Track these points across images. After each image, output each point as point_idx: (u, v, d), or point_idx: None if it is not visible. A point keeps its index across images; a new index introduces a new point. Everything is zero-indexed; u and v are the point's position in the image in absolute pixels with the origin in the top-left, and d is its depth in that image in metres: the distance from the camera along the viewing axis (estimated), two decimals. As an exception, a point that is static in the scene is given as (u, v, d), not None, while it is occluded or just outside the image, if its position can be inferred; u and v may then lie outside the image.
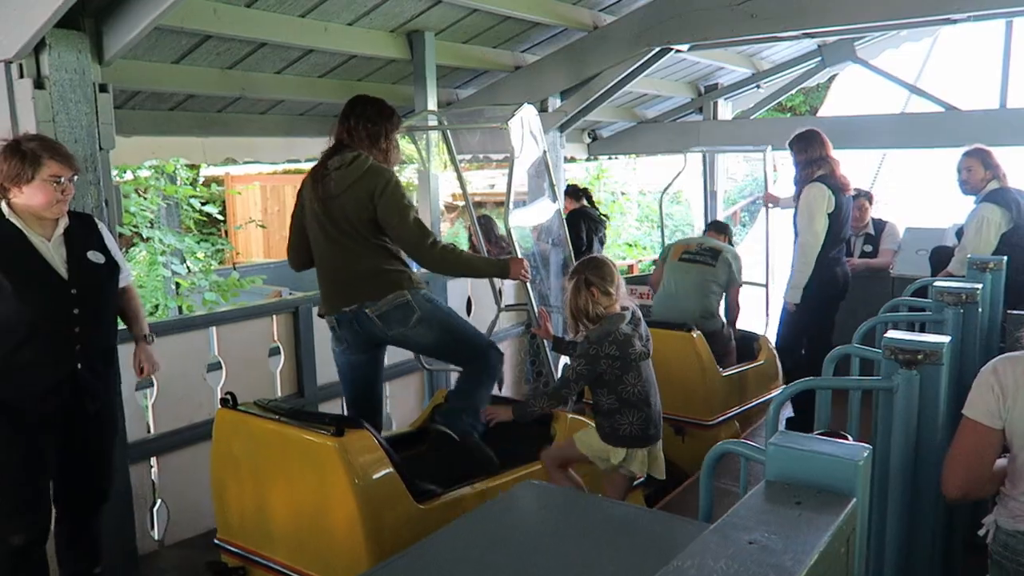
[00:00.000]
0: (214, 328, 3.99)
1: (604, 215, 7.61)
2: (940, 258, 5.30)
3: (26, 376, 2.69)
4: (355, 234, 3.16)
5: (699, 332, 4.96)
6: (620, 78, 5.87)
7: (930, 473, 1.96)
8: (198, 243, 8.54)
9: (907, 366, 1.92)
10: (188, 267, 9.39)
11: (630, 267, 10.95)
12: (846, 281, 4.94)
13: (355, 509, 2.59)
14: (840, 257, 4.92)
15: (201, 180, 19.58)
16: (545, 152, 3.75)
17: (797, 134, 4.86)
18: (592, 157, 10.11)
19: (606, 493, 3.26)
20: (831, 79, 11.84)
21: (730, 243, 5.54)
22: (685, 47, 5.72)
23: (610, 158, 11.27)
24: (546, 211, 3.87)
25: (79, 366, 2.77)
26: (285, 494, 2.82)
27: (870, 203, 6.14)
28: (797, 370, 5.03)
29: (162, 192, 8.86)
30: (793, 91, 9.33)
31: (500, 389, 6.06)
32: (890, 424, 1.93)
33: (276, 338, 4.31)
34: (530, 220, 3.90)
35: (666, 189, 6.81)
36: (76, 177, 2.77)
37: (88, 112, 3.19)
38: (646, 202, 13.19)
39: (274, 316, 4.28)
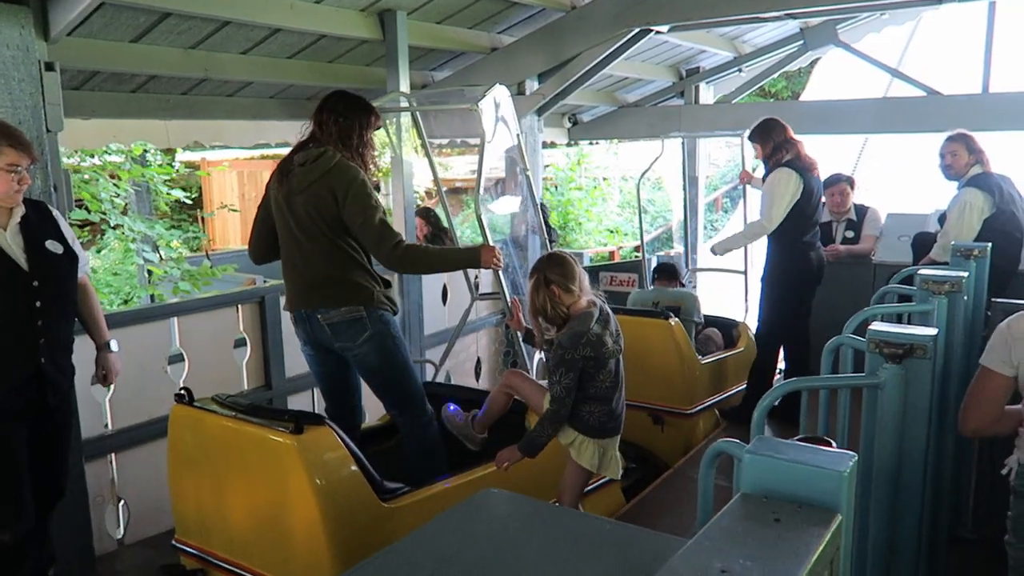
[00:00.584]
0: (175, 319, 3.84)
1: (557, 227, 7.52)
2: (922, 244, 5.22)
3: None
4: (317, 234, 2.99)
5: (677, 320, 4.87)
6: (598, 60, 5.73)
7: (914, 470, 1.87)
8: (168, 230, 8.30)
9: (893, 360, 1.81)
10: (160, 255, 9.19)
11: (611, 253, 10.86)
12: (820, 266, 4.86)
13: (316, 510, 2.47)
14: (814, 242, 4.83)
15: (177, 165, 19.36)
16: (519, 136, 3.61)
17: (754, 128, 4.79)
18: (572, 142, 9.97)
19: (563, 484, 3.15)
20: (813, 64, 11.76)
21: (681, 283, 5.46)
22: (665, 28, 5.58)
23: (591, 143, 11.15)
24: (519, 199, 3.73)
25: (43, 360, 2.70)
26: (244, 494, 2.69)
27: (852, 188, 6.05)
28: (773, 358, 4.97)
29: (132, 178, 8.64)
30: (775, 75, 9.23)
31: (477, 380, 5.96)
32: (876, 422, 1.83)
33: (242, 328, 4.16)
34: (505, 207, 3.76)
35: (643, 175, 6.68)
36: (33, 165, 2.68)
37: (33, 92, 3.01)
38: (628, 188, 13.05)
39: (239, 306, 4.13)
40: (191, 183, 19.17)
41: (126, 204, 9.64)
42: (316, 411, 3.88)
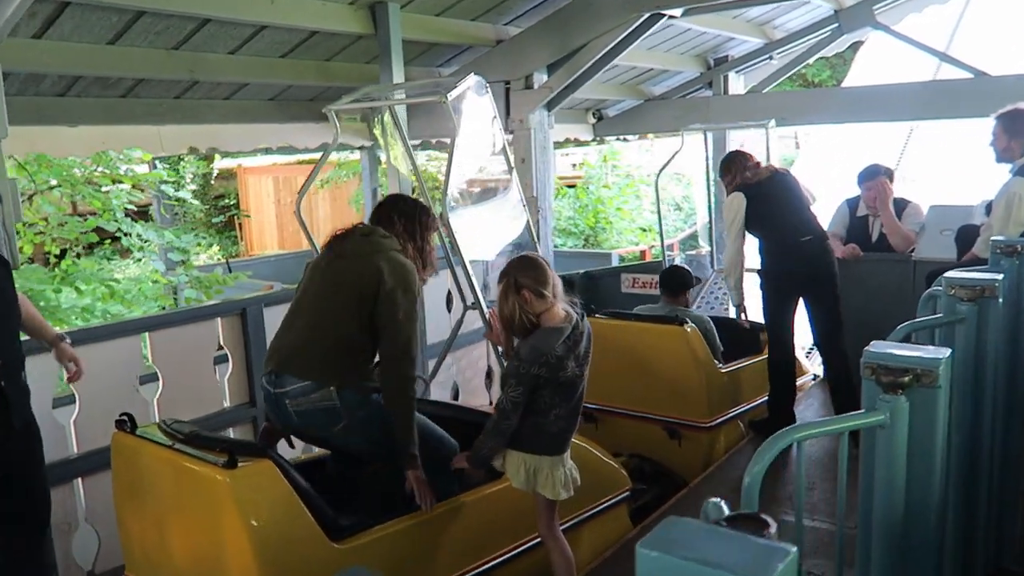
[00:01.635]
0: (147, 334, 3.63)
1: (589, 227, 7.13)
2: (967, 238, 4.75)
3: None
4: (340, 300, 2.74)
5: (693, 325, 4.50)
6: (609, 48, 5.38)
7: (925, 527, 1.51)
8: (178, 236, 8.17)
9: (893, 391, 1.46)
10: (183, 261, 9.12)
11: (642, 253, 10.45)
12: (801, 269, 4.44)
13: (250, 554, 2.21)
14: (791, 241, 4.43)
15: (215, 174, 19.57)
16: (504, 135, 3.28)
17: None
18: (598, 139, 9.61)
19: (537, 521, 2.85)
20: (855, 49, 11.18)
21: (686, 298, 5.00)
22: (678, 12, 5.21)
23: (618, 139, 10.77)
24: (507, 205, 3.40)
25: (3, 383, 2.59)
26: (182, 532, 2.45)
27: (891, 181, 5.58)
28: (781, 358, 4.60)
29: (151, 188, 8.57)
30: (812, 61, 8.74)
31: (489, 394, 5.66)
32: (872, 468, 1.48)
33: (222, 343, 3.95)
34: (485, 217, 3.43)
35: (661, 171, 6.29)
36: None
37: (-31, 98, 2.81)
38: (662, 184, 12.59)
39: (219, 319, 3.91)
40: (229, 190, 19.45)
41: (147, 211, 9.65)
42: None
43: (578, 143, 10.24)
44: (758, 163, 4.66)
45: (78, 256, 7.78)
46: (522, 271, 2.64)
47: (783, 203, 4.50)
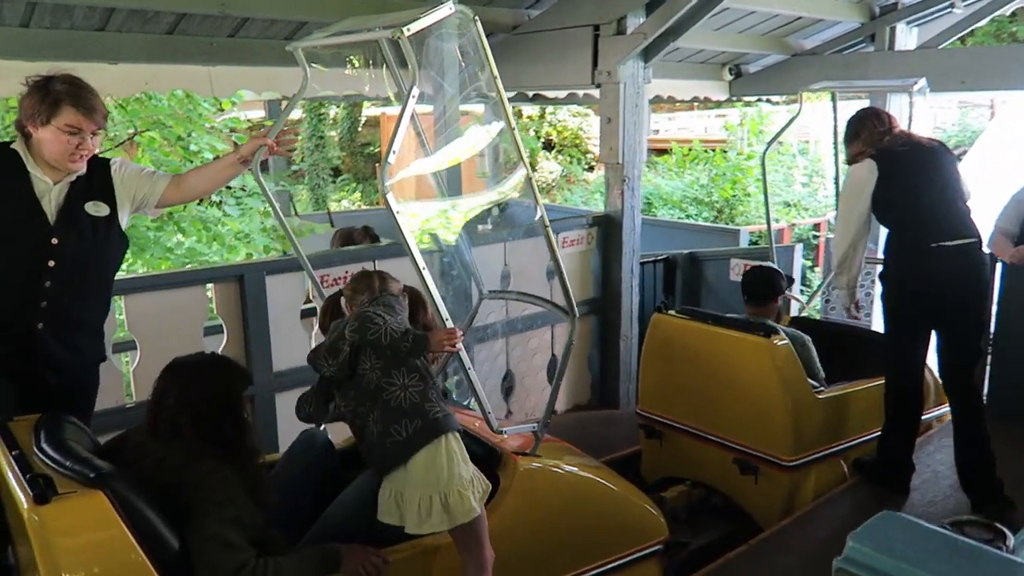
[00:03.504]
0: (121, 298, 3.24)
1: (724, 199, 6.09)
2: None
3: None
4: None
5: (786, 340, 3.57)
6: (722, -14, 4.40)
7: None
8: (290, 184, 7.92)
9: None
10: (294, 210, 8.99)
11: (780, 232, 9.20)
12: (934, 290, 3.31)
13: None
14: (926, 246, 3.29)
15: (363, 121, 19.86)
16: (498, 82, 2.48)
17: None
18: (735, 99, 8.45)
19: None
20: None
21: (782, 311, 4.02)
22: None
23: (759, 100, 9.46)
24: (508, 183, 2.59)
25: (40, 326, 2.43)
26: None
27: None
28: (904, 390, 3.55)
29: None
30: (1008, 10, 7.12)
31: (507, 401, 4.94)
32: None
33: (216, 312, 3.52)
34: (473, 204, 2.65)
35: (770, 144, 5.20)
36: (100, 131, 2.46)
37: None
38: (816, 155, 11.12)
39: (211, 285, 3.47)
40: (375, 138, 19.66)
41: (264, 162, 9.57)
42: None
43: (708, 103, 9.10)
44: (901, 129, 3.53)
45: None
46: None
47: (926, 187, 3.38)
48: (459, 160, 2.52)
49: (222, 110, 7.35)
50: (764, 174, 4.86)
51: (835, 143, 4.91)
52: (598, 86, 4.79)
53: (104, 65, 4.34)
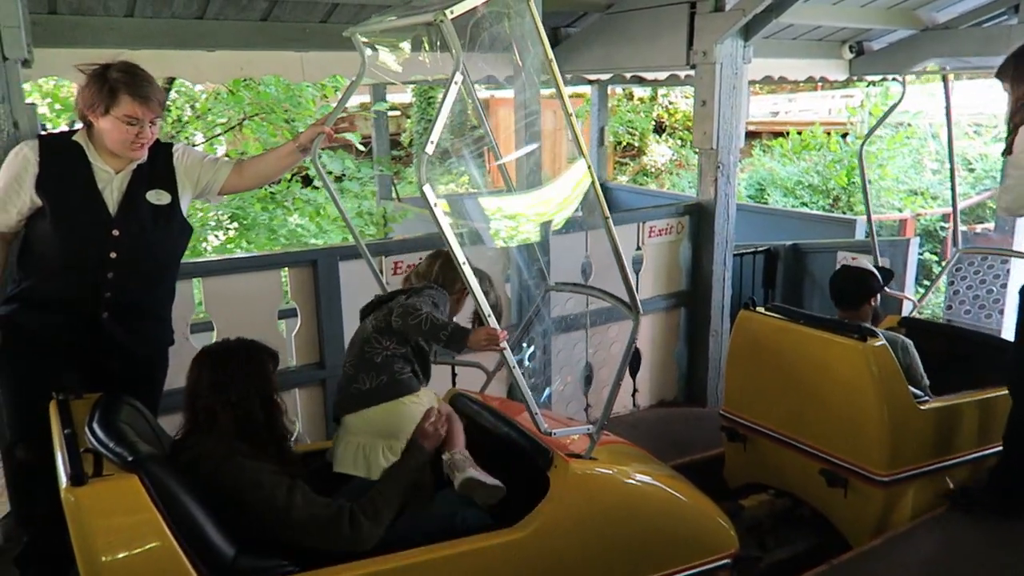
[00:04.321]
0: (199, 280, 3.34)
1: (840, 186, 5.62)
2: None
3: (48, 312, 2.46)
4: None
5: (883, 341, 3.26)
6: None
7: None
8: (389, 169, 8.02)
9: None
10: (395, 194, 9.12)
11: (903, 223, 8.53)
12: None
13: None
14: None
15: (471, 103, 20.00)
16: (554, 66, 2.32)
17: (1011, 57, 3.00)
18: (856, 79, 7.85)
19: None
20: None
21: (879, 313, 3.66)
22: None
23: (883, 80, 8.72)
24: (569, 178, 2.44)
25: (105, 315, 2.48)
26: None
27: None
28: None
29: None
30: None
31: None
32: None
33: (291, 296, 3.57)
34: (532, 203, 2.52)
35: (866, 140, 4.69)
36: (159, 120, 2.49)
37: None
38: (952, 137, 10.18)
39: (286, 269, 3.52)
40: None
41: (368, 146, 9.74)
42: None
43: (826, 84, 8.52)
44: None
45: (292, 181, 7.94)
46: None
47: None
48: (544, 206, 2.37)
49: (326, 96, 7.51)
50: (862, 169, 4.40)
51: (949, 130, 4.45)
52: (693, 67, 4.54)
53: (202, 52, 4.48)
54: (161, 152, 2.58)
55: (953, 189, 4.53)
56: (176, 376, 2.93)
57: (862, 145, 4.39)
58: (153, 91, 2.42)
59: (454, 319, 2.63)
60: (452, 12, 2.03)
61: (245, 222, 6.82)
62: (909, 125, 10.04)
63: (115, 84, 2.35)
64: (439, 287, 2.59)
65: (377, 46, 2.72)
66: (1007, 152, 3.05)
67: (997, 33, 6.46)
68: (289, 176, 7.32)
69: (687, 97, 15.02)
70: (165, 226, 2.54)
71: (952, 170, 4.52)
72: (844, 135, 10.72)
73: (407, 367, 2.45)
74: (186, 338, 3.34)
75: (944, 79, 4.16)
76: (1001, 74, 3.06)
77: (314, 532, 2.06)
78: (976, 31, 6.63)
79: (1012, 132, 2.99)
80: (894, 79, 8.62)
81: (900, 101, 4.37)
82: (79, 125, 2.52)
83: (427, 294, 2.46)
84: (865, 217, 4.67)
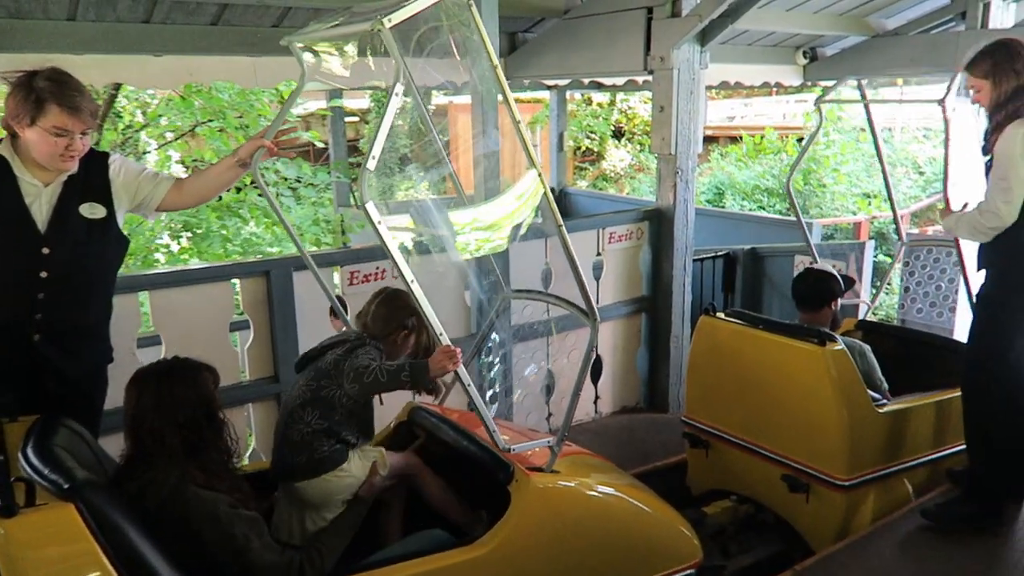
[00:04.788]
0: (146, 293, 3.22)
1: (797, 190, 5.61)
2: None
3: None
4: None
5: (841, 345, 3.28)
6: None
7: None
8: (346, 174, 7.89)
9: None
10: (354, 199, 8.95)
11: (856, 225, 8.68)
12: None
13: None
14: None
15: (433, 108, 19.89)
16: (499, 72, 2.26)
17: (984, 51, 2.92)
18: (809, 84, 7.96)
19: None
20: None
21: (838, 317, 3.68)
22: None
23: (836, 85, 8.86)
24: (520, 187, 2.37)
25: (37, 337, 2.36)
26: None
27: None
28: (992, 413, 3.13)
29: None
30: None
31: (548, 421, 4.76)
32: None
33: (243, 308, 3.46)
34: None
35: (793, 171, 4.22)
36: (90, 132, 2.35)
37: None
38: (903, 142, 10.42)
39: (238, 280, 3.42)
40: (442, 127, 19.69)
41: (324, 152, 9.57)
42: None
43: (777, 90, 8.64)
44: None
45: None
46: None
47: None
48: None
49: (283, 101, 7.36)
50: (792, 201, 4.22)
51: (874, 139, 4.44)
52: (650, 72, 4.53)
53: (148, 57, 4.36)
54: (96, 163, 2.44)
55: (888, 186, 4.52)
56: (119, 395, 2.83)
57: (789, 178, 4.26)
58: (83, 100, 2.27)
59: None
60: (391, 20, 1.95)
61: (199, 231, 6.64)
62: (862, 130, 10.24)
63: (42, 93, 2.20)
64: (370, 341, 2.50)
65: (321, 52, 2.62)
66: (987, 152, 2.96)
67: (944, 39, 6.61)
68: (247, 181, 7.16)
69: (645, 102, 15.13)
70: (100, 240, 2.40)
71: (884, 170, 4.53)
72: (799, 139, 10.89)
73: (328, 441, 2.38)
74: (132, 354, 3.22)
75: (861, 89, 4.17)
76: (975, 69, 2.94)
77: None
78: (924, 37, 6.77)
79: (994, 131, 2.92)
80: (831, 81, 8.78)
81: (818, 131, 4.45)
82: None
83: (361, 353, 2.39)
84: (828, 219, 4.68)
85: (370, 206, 1.85)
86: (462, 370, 2.14)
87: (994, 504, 3.18)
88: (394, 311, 2.57)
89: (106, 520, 1.77)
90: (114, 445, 2.51)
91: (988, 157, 2.97)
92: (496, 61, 2.19)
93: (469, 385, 2.13)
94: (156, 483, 1.99)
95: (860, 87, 4.15)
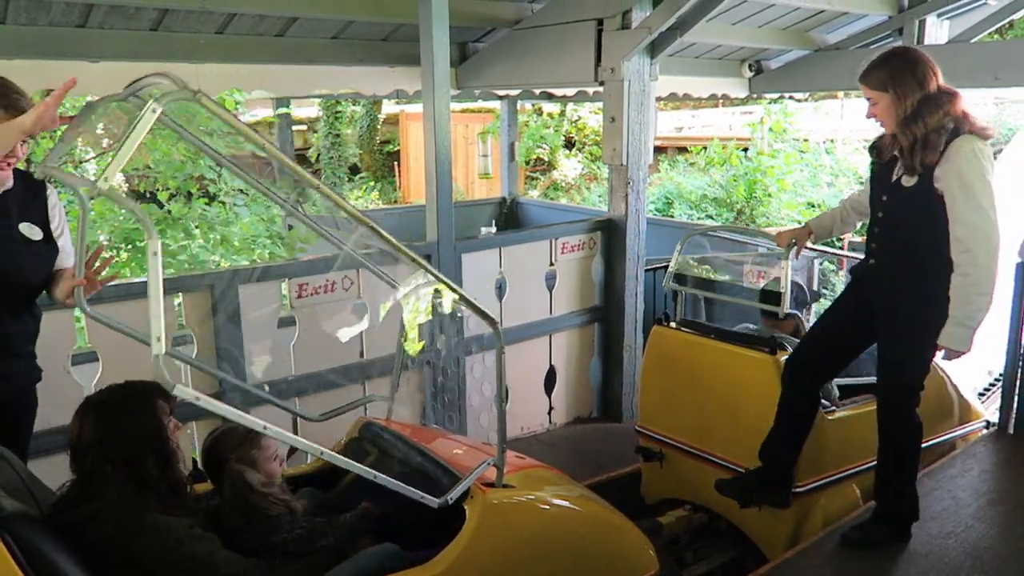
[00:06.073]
0: (181, 295, 3.11)
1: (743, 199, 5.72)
2: None
3: None
4: None
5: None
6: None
7: None
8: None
9: None
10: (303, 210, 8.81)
11: (802, 234, 8.84)
12: None
13: None
14: None
15: (382, 119, 19.71)
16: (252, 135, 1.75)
17: (882, 59, 2.69)
18: (755, 96, 8.13)
19: None
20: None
21: (799, 325, 3.74)
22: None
23: (781, 98, 9.10)
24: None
25: None
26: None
27: None
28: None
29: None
30: (1045, 3, 6.72)
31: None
32: None
33: (185, 323, 3.34)
34: None
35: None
36: (29, 139, 2.20)
37: None
38: (845, 153, 10.70)
39: (180, 295, 3.30)
40: (393, 136, 19.52)
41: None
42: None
43: (725, 101, 8.79)
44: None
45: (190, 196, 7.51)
46: None
47: None
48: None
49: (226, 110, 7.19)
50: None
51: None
52: (601, 83, 4.55)
53: (85, 63, 4.20)
54: (38, 188, 2.35)
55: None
56: (52, 414, 2.70)
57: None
58: (26, 103, 2.17)
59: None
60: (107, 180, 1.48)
61: (140, 245, 6.42)
62: (805, 140, 10.50)
63: None
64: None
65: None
66: (913, 171, 2.69)
67: (883, 54, 6.80)
68: (193, 191, 6.98)
69: (595, 112, 15.27)
70: (40, 256, 2.31)
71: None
72: (745, 150, 11.09)
73: None
74: (66, 371, 3.08)
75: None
76: (870, 80, 2.68)
77: None
78: (863, 51, 6.94)
79: (923, 149, 2.64)
80: (790, 97, 9.02)
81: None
82: None
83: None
84: (774, 228, 4.73)
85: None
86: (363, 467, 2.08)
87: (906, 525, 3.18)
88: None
89: (37, 554, 1.67)
90: (44, 468, 2.40)
91: (914, 180, 2.71)
92: (247, 131, 1.75)
93: (377, 477, 2.08)
94: (104, 514, 1.87)
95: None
